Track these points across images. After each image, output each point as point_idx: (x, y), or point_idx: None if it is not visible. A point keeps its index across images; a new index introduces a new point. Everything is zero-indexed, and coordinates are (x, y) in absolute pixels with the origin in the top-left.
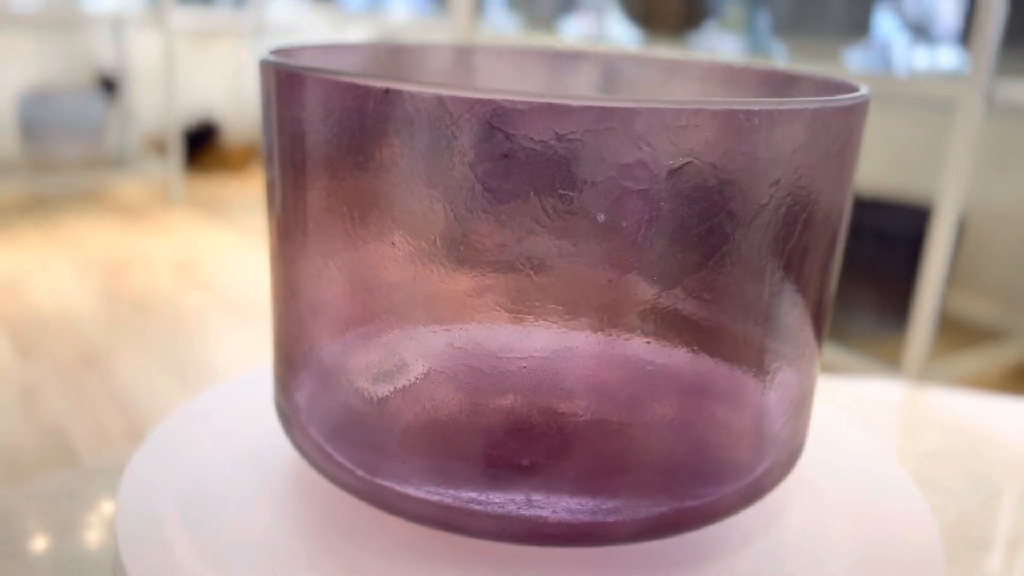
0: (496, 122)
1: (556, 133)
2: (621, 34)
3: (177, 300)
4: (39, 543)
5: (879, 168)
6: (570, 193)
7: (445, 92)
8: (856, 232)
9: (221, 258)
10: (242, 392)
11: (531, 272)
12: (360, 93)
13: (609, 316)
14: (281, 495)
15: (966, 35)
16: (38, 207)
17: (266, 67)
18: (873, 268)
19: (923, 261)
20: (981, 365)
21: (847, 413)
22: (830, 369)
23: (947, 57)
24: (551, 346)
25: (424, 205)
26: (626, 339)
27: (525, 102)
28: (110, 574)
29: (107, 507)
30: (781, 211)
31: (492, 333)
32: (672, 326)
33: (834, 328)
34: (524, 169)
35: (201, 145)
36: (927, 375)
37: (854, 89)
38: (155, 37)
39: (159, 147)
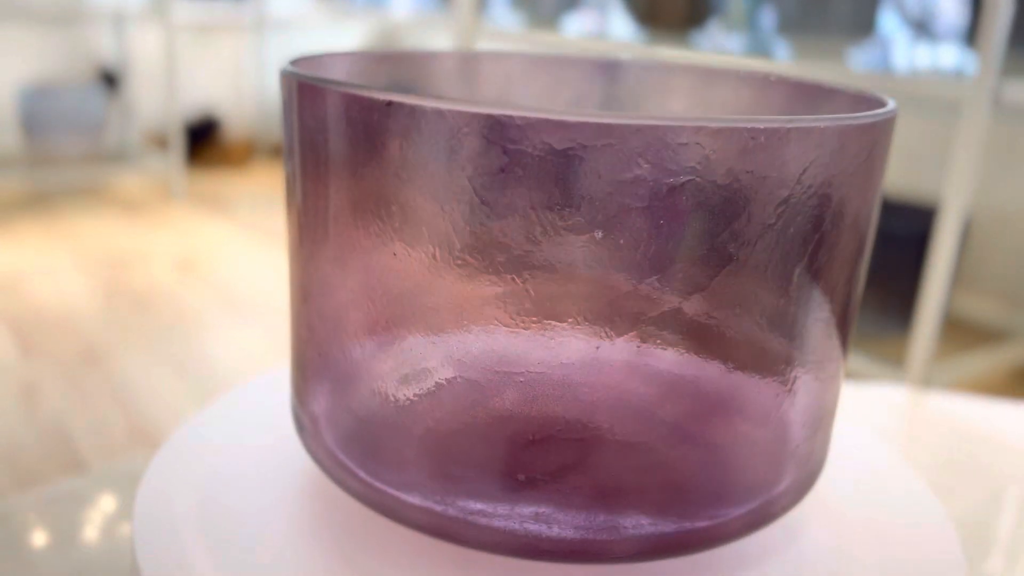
0: (507, 134)
1: (574, 144)
2: (623, 32)
3: (178, 296)
4: (47, 549)
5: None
6: (580, 202)
7: (455, 107)
8: None
9: (222, 253)
10: (258, 397)
11: (553, 279)
12: (367, 104)
13: (625, 327)
14: (296, 503)
15: (972, 34)
16: (39, 202)
17: (286, 77)
18: (878, 268)
19: (928, 261)
20: (986, 366)
21: (858, 421)
22: None
23: (951, 56)
24: (573, 356)
25: (440, 212)
26: (641, 351)
27: (531, 117)
28: None
29: (115, 513)
30: (802, 222)
31: (509, 342)
32: (689, 338)
33: None
34: (527, 180)
35: (202, 140)
36: (931, 376)
37: (882, 104)
38: (156, 31)
39: (160, 142)
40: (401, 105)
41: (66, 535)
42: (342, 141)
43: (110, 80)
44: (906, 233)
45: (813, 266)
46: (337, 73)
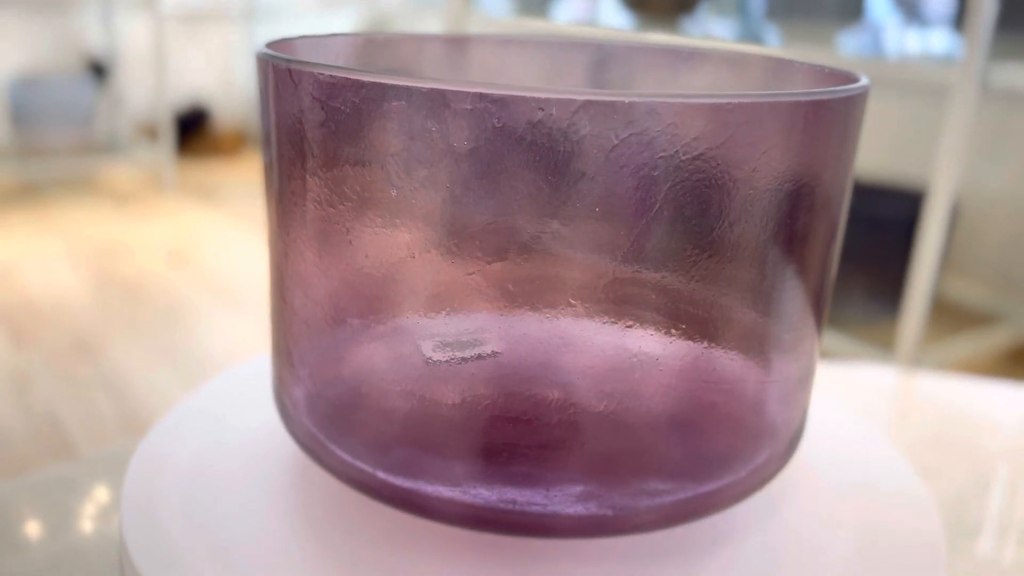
0: (485, 114)
1: (547, 123)
2: (614, 18)
3: (170, 286)
4: (36, 535)
5: (873, 153)
6: (559, 183)
7: (436, 86)
8: (850, 217)
9: (213, 243)
10: (243, 383)
11: (527, 262)
12: (348, 86)
13: (606, 305)
14: (282, 487)
15: (960, 18)
16: (29, 194)
17: (261, 60)
18: (867, 253)
19: (917, 246)
20: (974, 349)
21: (840, 399)
22: (823, 354)
23: (941, 40)
24: (553, 337)
25: (417, 196)
26: (624, 329)
27: (510, 95)
28: (112, 566)
29: (105, 498)
30: (778, 199)
31: (488, 323)
32: (669, 315)
33: (827, 312)
34: (513, 160)
35: (192, 130)
36: (920, 359)
37: (854, 79)
38: (145, 21)
39: (150, 132)
40: (379, 85)
41: (56, 521)
42: (319, 126)
43: (99, 71)
44: (894, 217)
45: (798, 234)
46: (314, 56)
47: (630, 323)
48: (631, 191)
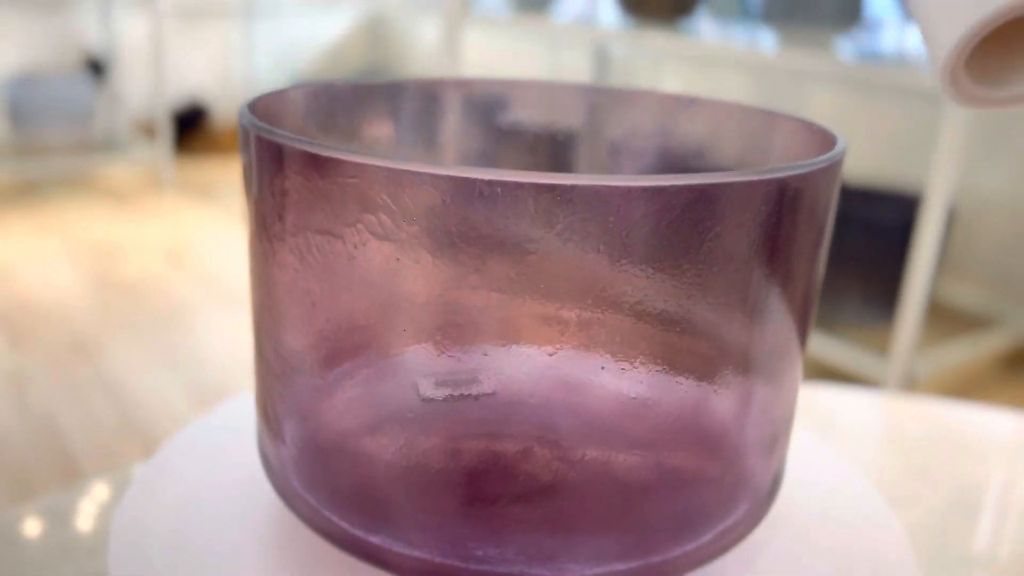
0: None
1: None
2: (612, 19)
3: (168, 285)
4: (35, 563)
5: (869, 157)
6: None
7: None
8: (845, 221)
9: (212, 242)
10: (235, 420)
11: (498, 298)
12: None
13: (579, 343)
14: (267, 534)
15: None
16: (27, 192)
17: (244, 128)
18: (862, 257)
19: (913, 250)
20: (971, 353)
21: (815, 431)
22: (818, 360)
23: None
24: (518, 378)
25: (402, 258)
26: (600, 368)
27: (459, 176)
28: None
29: (98, 528)
30: (754, 248)
31: (456, 366)
32: (646, 354)
33: (823, 317)
34: (491, 222)
35: (190, 128)
36: (916, 364)
37: (831, 144)
38: (143, 18)
39: (148, 131)
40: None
41: (59, 543)
42: (299, 194)
43: (97, 68)
44: (890, 221)
45: (778, 269)
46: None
47: (601, 362)
48: (611, 215)
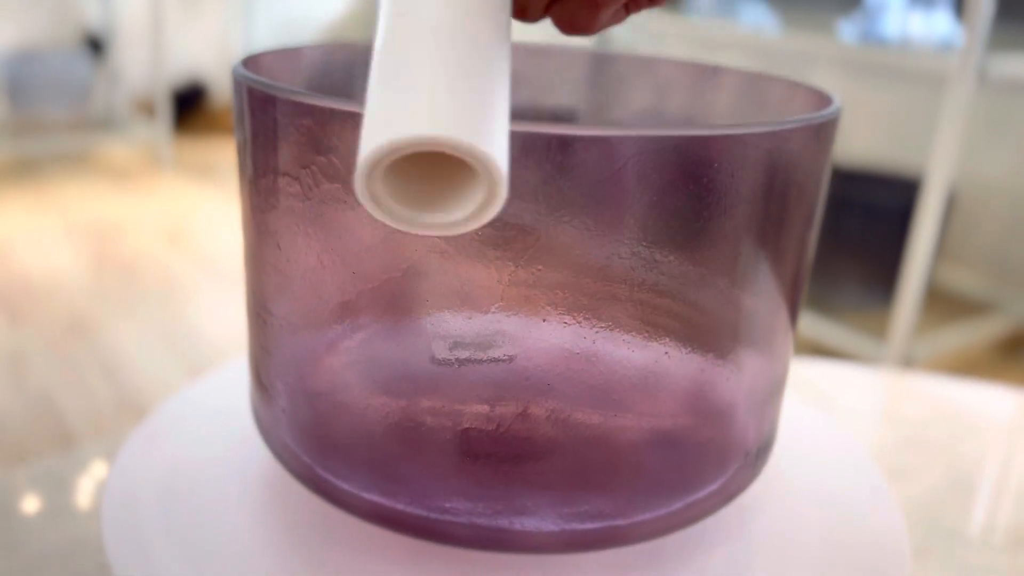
0: None
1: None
2: None
3: (166, 265)
4: (30, 527)
5: (869, 140)
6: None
7: None
8: (844, 205)
9: (210, 222)
10: (231, 381)
11: (502, 267)
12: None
13: (575, 309)
14: (258, 494)
15: (960, 5)
16: (25, 170)
17: (237, 81)
18: (861, 241)
19: (912, 234)
20: (968, 338)
21: (821, 401)
22: (816, 343)
23: (944, 24)
24: (516, 342)
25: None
26: (596, 333)
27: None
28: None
29: (94, 492)
30: (749, 204)
31: (452, 329)
32: (642, 319)
33: (821, 301)
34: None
35: (190, 107)
36: (913, 349)
37: (828, 102)
38: None
39: (147, 109)
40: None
41: (54, 510)
42: (293, 148)
43: (95, 46)
44: (890, 205)
45: (772, 235)
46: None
47: (597, 329)
48: (608, 195)
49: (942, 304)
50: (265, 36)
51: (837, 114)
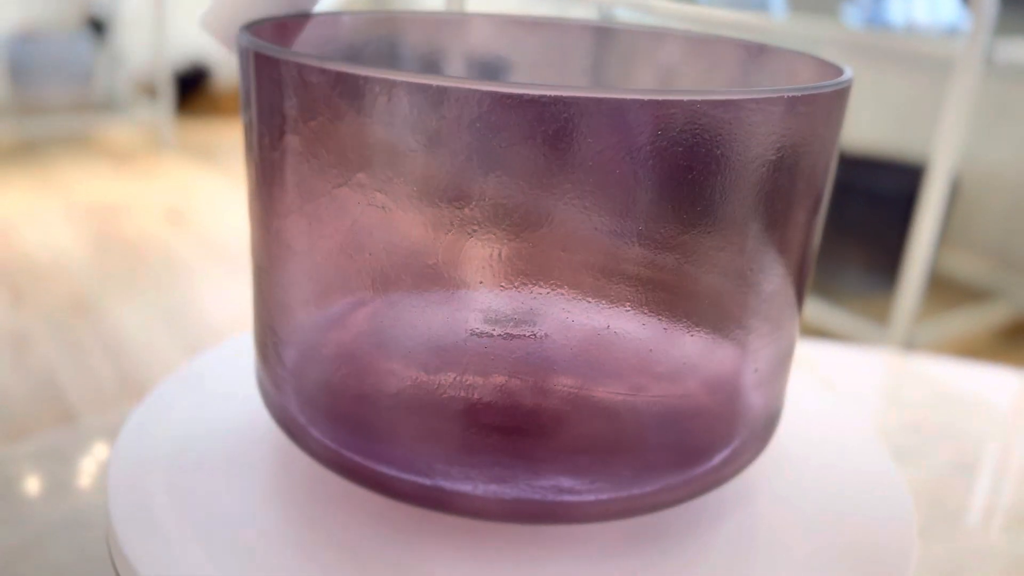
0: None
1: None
2: None
3: (168, 246)
4: (34, 501)
5: (873, 126)
6: (556, 161)
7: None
8: (848, 190)
9: (212, 204)
10: (234, 356)
11: (513, 239)
12: (322, 77)
13: (583, 283)
14: (265, 466)
15: None
16: (27, 151)
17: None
18: (864, 226)
19: (915, 220)
20: (971, 325)
21: (826, 380)
22: (819, 327)
23: (950, 8)
24: (531, 316)
25: (405, 167)
26: (602, 308)
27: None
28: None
29: (100, 468)
30: (760, 175)
31: (470, 301)
32: (648, 294)
33: (823, 286)
34: (505, 142)
35: (192, 89)
36: (916, 335)
37: (839, 72)
38: None
39: (149, 91)
40: (360, 77)
41: (56, 486)
42: (300, 114)
43: (98, 27)
44: (893, 191)
45: (780, 209)
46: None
47: (603, 304)
48: (621, 173)
49: (944, 290)
50: None
51: (849, 83)
